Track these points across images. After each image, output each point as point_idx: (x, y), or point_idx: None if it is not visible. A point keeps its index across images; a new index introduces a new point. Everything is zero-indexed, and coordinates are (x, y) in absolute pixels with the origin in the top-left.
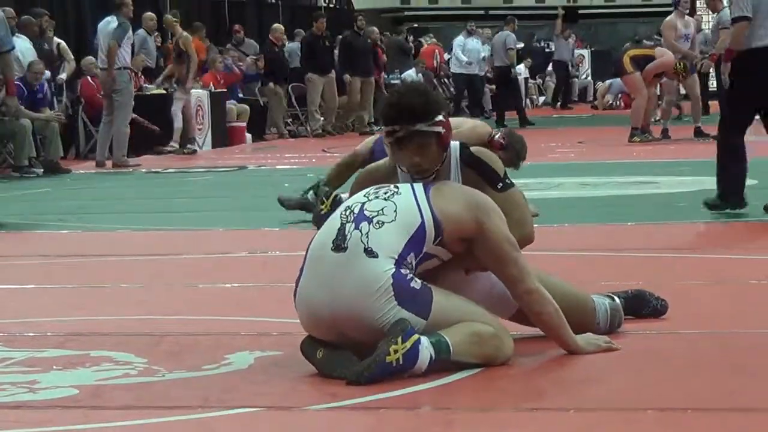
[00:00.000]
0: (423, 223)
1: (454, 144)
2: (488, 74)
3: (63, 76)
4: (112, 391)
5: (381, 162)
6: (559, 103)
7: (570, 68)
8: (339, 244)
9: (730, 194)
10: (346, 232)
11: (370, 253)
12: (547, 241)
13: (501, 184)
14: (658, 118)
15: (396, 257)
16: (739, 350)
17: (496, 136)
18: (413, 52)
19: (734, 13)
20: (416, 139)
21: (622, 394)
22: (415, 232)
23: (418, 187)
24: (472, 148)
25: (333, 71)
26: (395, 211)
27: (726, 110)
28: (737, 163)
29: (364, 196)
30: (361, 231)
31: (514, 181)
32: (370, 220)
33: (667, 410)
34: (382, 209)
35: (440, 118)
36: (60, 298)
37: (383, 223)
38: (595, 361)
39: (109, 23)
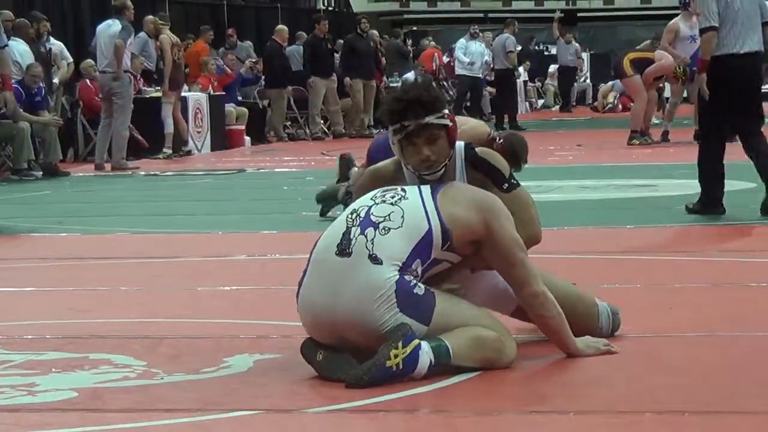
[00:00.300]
0: (430, 229)
1: (459, 144)
2: (487, 77)
3: (55, 80)
4: (111, 394)
5: (386, 162)
6: (558, 106)
7: (578, 72)
8: (344, 248)
9: (709, 200)
10: (351, 236)
11: (374, 259)
12: (547, 243)
13: (507, 185)
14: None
15: (400, 264)
16: (738, 353)
17: (496, 139)
18: (411, 55)
19: (702, 24)
20: (426, 133)
21: (622, 396)
22: (422, 239)
23: (426, 190)
24: (477, 149)
25: (334, 74)
26: (402, 216)
27: (703, 116)
28: (715, 168)
29: (371, 199)
30: (366, 237)
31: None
32: (376, 226)
33: (665, 413)
34: (389, 215)
35: (446, 111)
36: (59, 300)
37: (389, 229)
38: (594, 364)
39: (110, 26)
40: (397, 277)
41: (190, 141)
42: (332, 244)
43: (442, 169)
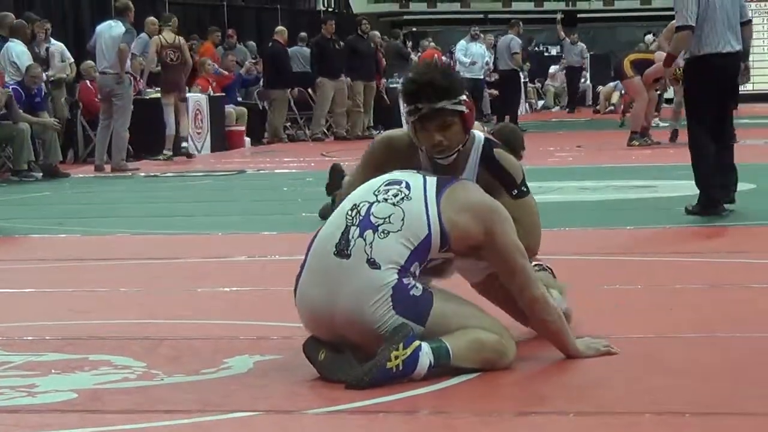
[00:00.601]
0: (429, 234)
1: (480, 137)
2: (487, 78)
3: (44, 75)
4: (110, 395)
5: (401, 132)
6: (558, 107)
7: (583, 72)
8: (342, 249)
9: (708, 202)
10: (350, 237)
11: (372, 264)
12: (546, 245)
13: (516, 191)
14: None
15: (399, 268)
16: (738, 354)
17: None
18: (411, 56)
19: (678, 22)
20: (439, 118)
21: (622, 398)
22: (421, 243)
23: (431, 189)
24: (496, 150)
25: (342, 76)
26: (402, 219)
27: (689, 114)
28: (706, 164)
29: (374, 194)
30: (365, 240)
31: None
32: (375, 229)
33: (665, 414)
34: (389, 217)
35: (464, 97)
36: (59, 302)
37: (389, 232)
38: (594, 365)
39: (111, 27)
40: (396, 280)
41: (190, 142)
42: (331, 241)
43: (455, 154)
